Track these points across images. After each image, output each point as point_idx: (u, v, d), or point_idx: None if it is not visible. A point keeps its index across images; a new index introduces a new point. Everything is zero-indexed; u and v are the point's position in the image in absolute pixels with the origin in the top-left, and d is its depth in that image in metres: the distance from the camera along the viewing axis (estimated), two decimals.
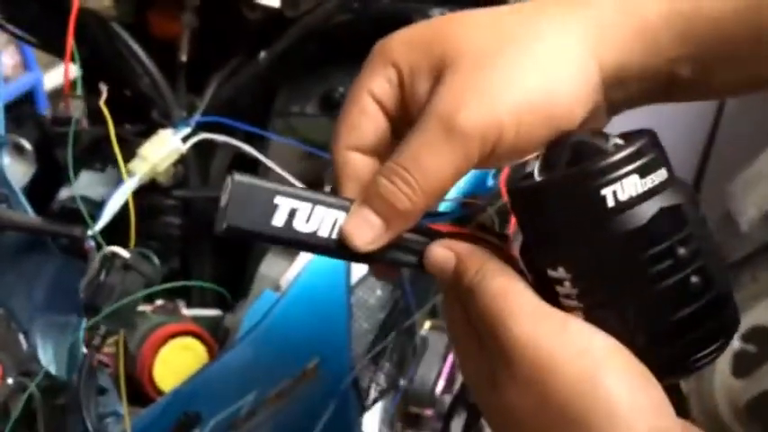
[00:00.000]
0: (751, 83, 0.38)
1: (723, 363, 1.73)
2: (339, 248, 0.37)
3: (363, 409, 0.80)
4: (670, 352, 0.36)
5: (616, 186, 0.34)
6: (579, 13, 0.37)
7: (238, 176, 0.35)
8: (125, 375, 0.67)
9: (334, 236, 0.36)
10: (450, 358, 1.33)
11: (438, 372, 1.30)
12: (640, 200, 0.34)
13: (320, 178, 0.84)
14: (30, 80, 2.34)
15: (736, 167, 1.75)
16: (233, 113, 0.78)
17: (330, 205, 0.36)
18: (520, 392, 0.35)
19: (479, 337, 0.38)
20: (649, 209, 0.34)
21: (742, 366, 1.71)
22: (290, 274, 0.71)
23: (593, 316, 0.36)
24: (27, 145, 0.80)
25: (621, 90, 0.37)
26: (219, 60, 0.82)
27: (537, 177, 0.36)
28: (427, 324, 1.08)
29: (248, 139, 0.80)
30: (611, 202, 0.34)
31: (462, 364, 0.40)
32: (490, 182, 1.22)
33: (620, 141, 0.35)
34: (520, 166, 0.40)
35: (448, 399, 1.35)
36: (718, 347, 0.37)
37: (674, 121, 2.31)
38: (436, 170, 0.35)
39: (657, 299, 0.35)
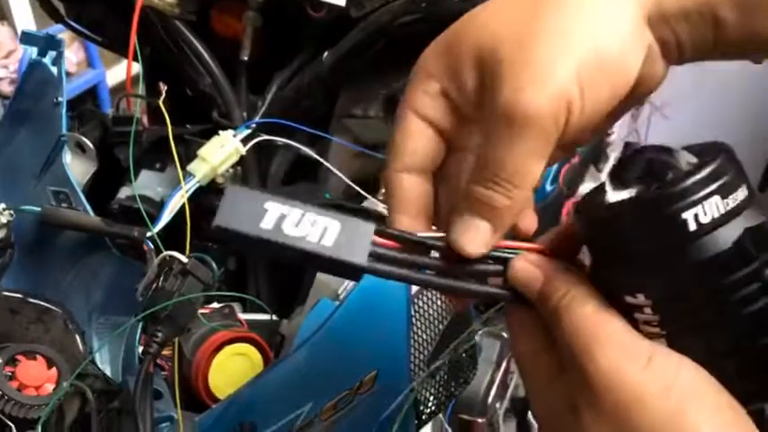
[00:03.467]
0: None
1: None
2: (330, 257, 0.34)
3: (421, 422, 0.77)
4: (759, 378, 0.34)
5: (697, 209, 0.32)
6: None
7: (232, 186, 0.35)
8: (180, 380, 0.66)
9: (324, 242, 0.34)
10: (504, 366, 1.30)
11: (490, 379, 1.27)
12: (723, 222, 0.32)
13: (381, 182, 0.82)
14: (93, 77, 2.39)
15: None
16: (294, 115, 0.77)
17: (319, 213, 0.35)
18: (602, 425, 0.33)
19: (559, 361, 0.36)
20: (733, 231, 0.32)
21: None
22: (349, 282, 0.69)
23: (677, 343, 0.34)
24: (89, 144, 0.79)
25: (668, 30, 0.36)
26: (282, 60, 0.80)
27: (609, 198, 0.34)
28: (478, 331, 1.05)
29: (309, 141, 0.78)
30: (692, 226, 0.32)
31: (534, 388, 0.38)
32: (549, 187, 1.18)
33: (692, 159, 0.33)
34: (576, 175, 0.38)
35: (500, 406, 1.32)
36: None
37: (738, 127, 2.24)
38: (520, 164, 0.35)
39: (746, 324, 0.33)
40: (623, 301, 0.34)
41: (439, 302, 0.77)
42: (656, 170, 0.34)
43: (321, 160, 0.76)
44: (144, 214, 0.70)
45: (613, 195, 0.34)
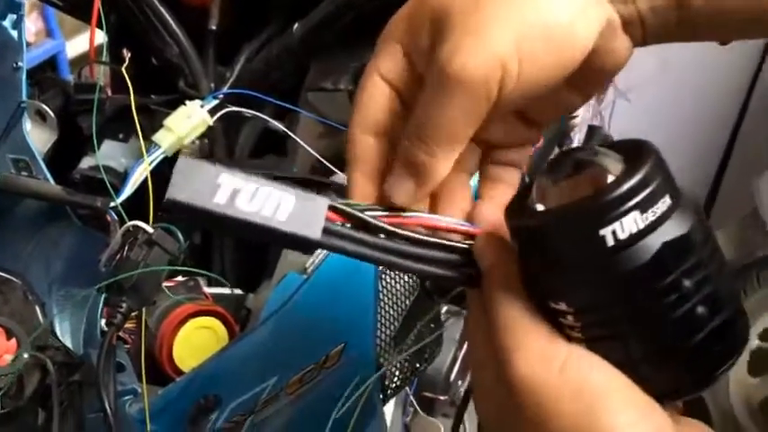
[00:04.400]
0: (753, 18, 0.35)
1: (739, 361, 1.70)
2: (285, 231, 0.34)
3: (386, 396, 0.78)
4: (677, 379, 0.35)
5: (615, 225, 0.31)
6: None
7: (183, 158, 0.34)
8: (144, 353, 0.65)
9: (278, 216, 0.34)
10: (466, 344, 1.31)
11: (453, 357, 1.28)
12: (642, 236, 0.32)
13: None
14: (52, 47, 2.32)
15: (760, 161, 1.72)
16: (263, 87, 0.76)
17: (274, 187, 0.34)
18: (524, 429, 0.35)
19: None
20: (652, 245, 0.32)
21: (758, 365, 1.70)
22: (317, 256, 0.69)
23: (597, 348, 0.34)
24: (49, 111, 0.77)
25: (629, 4, 0.36)
26: (251, 31, 0.79)
27: (535, 204, 0.35)
28: (443, 309, 1.06)
29: (277, 113, 0.77)
30: (610, 242, 0.32)
31: (479, 385, 0.39)
32: None
33: (619, 163, 0.33)
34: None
35: (462, 384, 1.33)
36: (727, 368, 0.35)
37: (699, 113, 2.28)
38: (446, 122, 0.35)
39: (662, 332, 0.33)
40: (548, 306, 0.35)
41: (406, 278, 0.77)
42: (582, 174, 0.34)
43: (290, 134, 0.75)
44: (107, 184, 0.69)
45: (538, 200, 0.35)
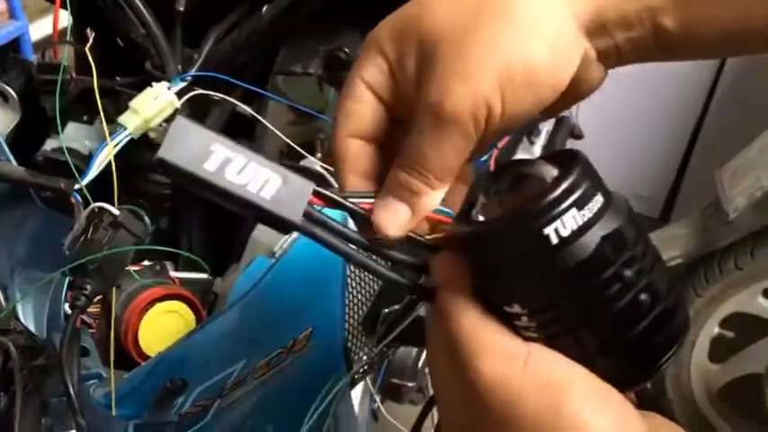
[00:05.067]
0: (729, 42, 0.38)
1: (700, 348, 1.74)
2: (267, 210, 0.35)
3: (354, 380, 0.78)
4: (629, 367, 0.37)
5: (557, 224, 0.34)
6: None
7: (182, 118, 0.35)
8: (109, 337, 0.64)
9: (263, 194, 0.35)
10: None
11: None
12: (582, 232, 0.34)
13: (315, 141, 0.81)
14: (16, 29, 2.27)
15: (723, 152, 1.75)
16: (231, 70, 0.75)
17: (263, 164, 0.35)
18: (491, 428, 0.35)
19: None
20: (592, 239, 0.34)
21: (719, 352, 1.73)
22: (285, 240, 0.68)
23: (554, 345, 0.36)
24: (11, 92, 0.76)
25: (607, 38, 0.38)
26: (219, 13, 0.78)
27: (478, 215, 0.37)
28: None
29: (246, 97, 0.77)
30: (554, 240, 0.34)
31: (439, 384, 0.39)
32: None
33: (554, 171, 0.36)
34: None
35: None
36: (673, 353, 0.37)
37: (664, 104, 2.32)
38: (441, 158, 0.37)
39: (611, 322, 0.35)
40: (503, 311, 0.36)
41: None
42: (521, 184, 0.36)
43: (259, 117, 0.74)
44: (72, 166, 0.68)
45: (481, 212, 0.37)
